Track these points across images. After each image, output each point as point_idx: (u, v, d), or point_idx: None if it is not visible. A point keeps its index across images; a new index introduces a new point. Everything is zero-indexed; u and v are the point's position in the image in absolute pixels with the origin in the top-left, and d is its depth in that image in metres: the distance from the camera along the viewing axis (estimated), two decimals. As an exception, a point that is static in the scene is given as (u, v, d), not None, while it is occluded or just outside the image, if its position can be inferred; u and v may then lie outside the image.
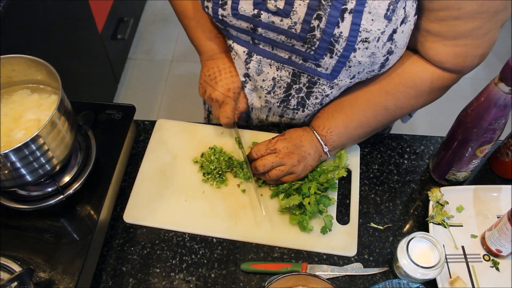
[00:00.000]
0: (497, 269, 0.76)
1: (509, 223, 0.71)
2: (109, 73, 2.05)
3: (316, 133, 0.82)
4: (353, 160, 0.88)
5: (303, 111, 0.86)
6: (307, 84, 0.80)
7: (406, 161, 0.91)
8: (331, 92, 0.81)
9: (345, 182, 0.87)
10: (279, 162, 0.79)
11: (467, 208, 0.83)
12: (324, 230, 0.79)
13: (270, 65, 0.80)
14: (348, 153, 0.88)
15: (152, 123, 0.95)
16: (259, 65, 0.81)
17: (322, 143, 0.82)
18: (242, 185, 0.86)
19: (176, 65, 2.30)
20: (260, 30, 0.73)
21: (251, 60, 0.81)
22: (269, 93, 0.85)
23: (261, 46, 0.78)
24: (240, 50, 0.80)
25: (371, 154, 0.92)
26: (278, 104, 0.86)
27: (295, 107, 0.86)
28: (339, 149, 0.85)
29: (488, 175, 0.88)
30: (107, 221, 0.82)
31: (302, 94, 0.83)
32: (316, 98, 0.82)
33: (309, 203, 0.79)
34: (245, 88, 0.87)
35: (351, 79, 0.76)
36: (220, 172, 0.86)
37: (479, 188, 0.83)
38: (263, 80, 0.83)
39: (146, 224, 0.82)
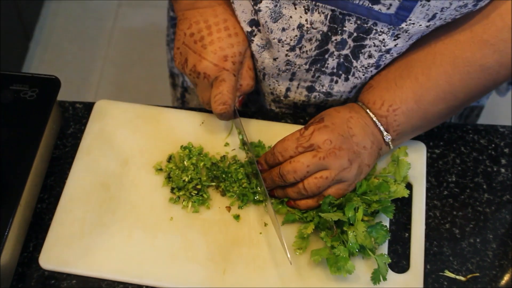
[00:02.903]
0: None
1: None
2: (15, 25, 2.05)
3: (370, 113, 0.83)
4: (415, 168, 0.89)
5: (347, 79, 0.88)
6: (355, 34, 0.82)
7: (503, 170, 0.91)
8: (395, 45, 0.82)
9: (402, 204, 0.87)
10: (320, 165, 0.79)
11: None
12: (377, 277, 0.79)
13: (294, 4, 0.81)
14: (409, 156, 0.88)
15: (88, 107, 0.96)
16: (275, 5, 0.81)
17: (382, 128, 0.83)
18: (234, 207, 0.87)
19: (127, 12, 2.31)
20: None
21: None
22: (292, 49, 0.86)
23: None
24: None
25: (445, 158, 0.92)
26: (307, 66, 0.86)
27: (334, 71, 0.85)
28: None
29: None
30: (13, 267, 0.82)
31: (346, 51, 0.84)
32: (370, 56, 0.84)
33: (354, 233, 0.78)
34: (252, 44, 0.89)
35: (428, 21, 0.77)
36: (199, 187, 0.87)
37: None
38: (283, 30, 0.84)
39: (78, 271, 0.83)
